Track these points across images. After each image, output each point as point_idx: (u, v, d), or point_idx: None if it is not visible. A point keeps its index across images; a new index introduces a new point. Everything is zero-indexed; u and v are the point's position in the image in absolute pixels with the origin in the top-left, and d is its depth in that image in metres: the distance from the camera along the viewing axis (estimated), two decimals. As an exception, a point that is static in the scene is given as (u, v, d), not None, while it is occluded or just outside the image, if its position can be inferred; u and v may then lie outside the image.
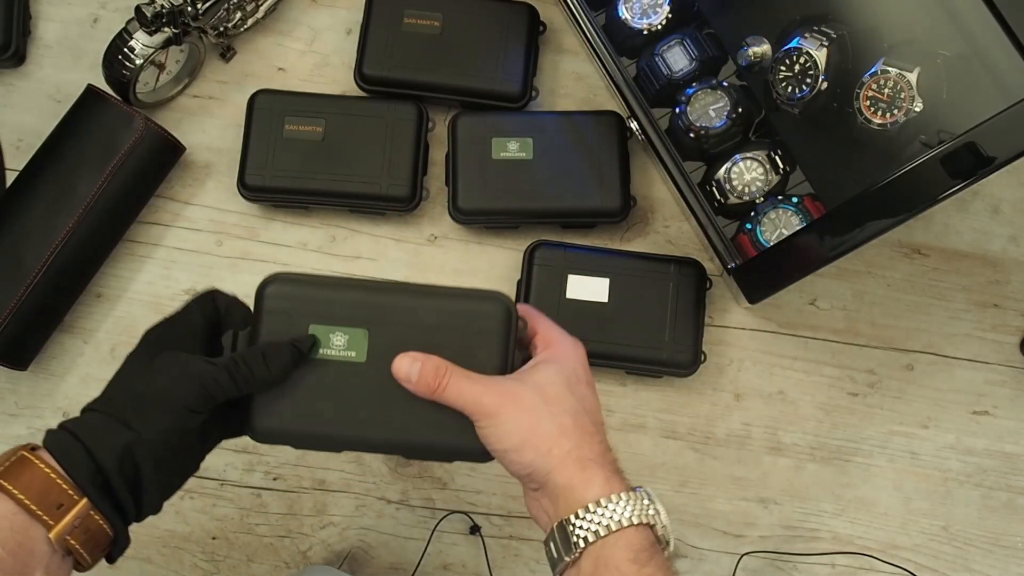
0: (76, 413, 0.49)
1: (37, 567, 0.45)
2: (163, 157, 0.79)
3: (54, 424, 0.48)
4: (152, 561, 0.77)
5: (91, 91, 0.78)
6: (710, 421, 0.80)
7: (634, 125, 0.77)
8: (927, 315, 0.81)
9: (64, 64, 0.84)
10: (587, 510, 0.47)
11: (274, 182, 0.78)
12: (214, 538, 0.78)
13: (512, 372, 0.52)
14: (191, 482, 0.77)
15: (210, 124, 0.83)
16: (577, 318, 0.76)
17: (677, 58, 0.76)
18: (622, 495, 0.48)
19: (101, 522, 0.46)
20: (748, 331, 0.81)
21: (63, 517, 0.45)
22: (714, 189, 0.75)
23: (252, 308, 0.52)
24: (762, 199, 0.74)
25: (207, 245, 0.82)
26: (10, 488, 0.45)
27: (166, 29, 0.75)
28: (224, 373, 0.48)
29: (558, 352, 0.53)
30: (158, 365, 0.49)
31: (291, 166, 0.78)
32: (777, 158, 0.74)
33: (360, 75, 0.80)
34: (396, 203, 0.79)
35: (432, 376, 0.49)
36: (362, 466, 0.79)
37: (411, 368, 0.50)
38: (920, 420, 0.80)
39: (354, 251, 0.82)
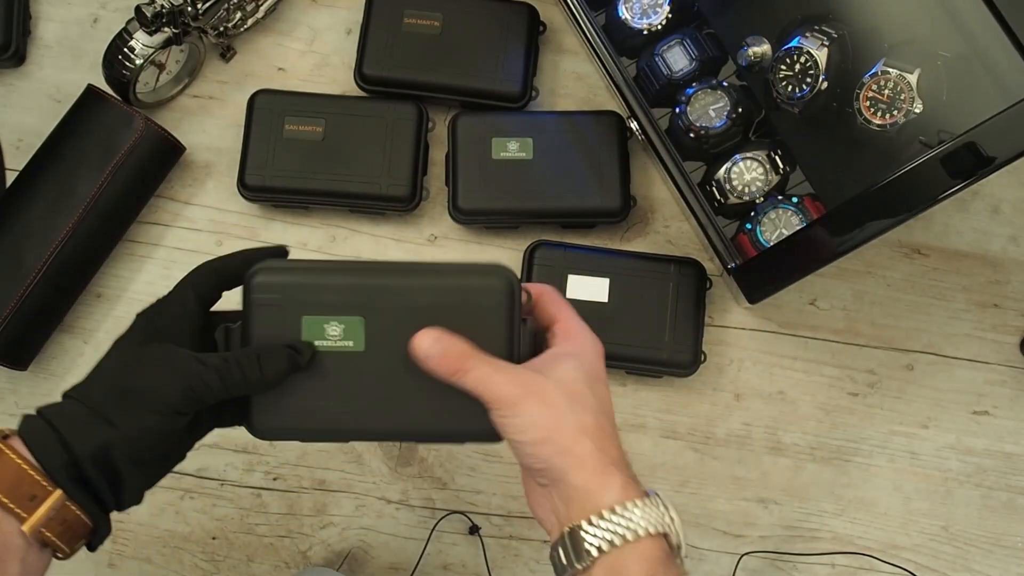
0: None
1: (12, 560, 0.44)
2: (163, 157, 0.79)
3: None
4: (152, 561, 0.77)
5: (91, 91, 0.78)
6: (710, 421, 0.80)
7: (634, 125, 0.77)
8: (927, 315, 0.81)
9: (64, 64, 0.84)
10: (602, 517, 0.45)
11: (274, 182, 0.78)
12: (214, 538, 0.78)
13: (518, 347, 0.50)
14: (191, 482, 0.78)
15: (210, 124, 0.83)
16: (577, 318, 0.76)
17: (677, 58, 0.76)
18: (638, 502, 0.45)
19: (78, 512, 0.45)
20: (748, 331, 0.81)
21: (36, 509, 0.44)
22: (714, 189, 0.75)
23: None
24: (762, 199, 0.74)
25: (207, 245, 0.82)
26: None
27: (166, 29, 0.75)
28: (214, 375, 0.46)
29: (580, 347, 0.50)
30: (145, 358, 0.47)
31: (291, 166, 0.78)
32: (777, 158, 0.74)
33: (360, 75, 0.80)
34: (396, 203, 0.79)
35: (456, 359, 0.47)
36: (362, 466, 0.79)
37: (432, 347, 0.47)
38: (920, 420, 0.80)
39: (354, 251, 0.82)
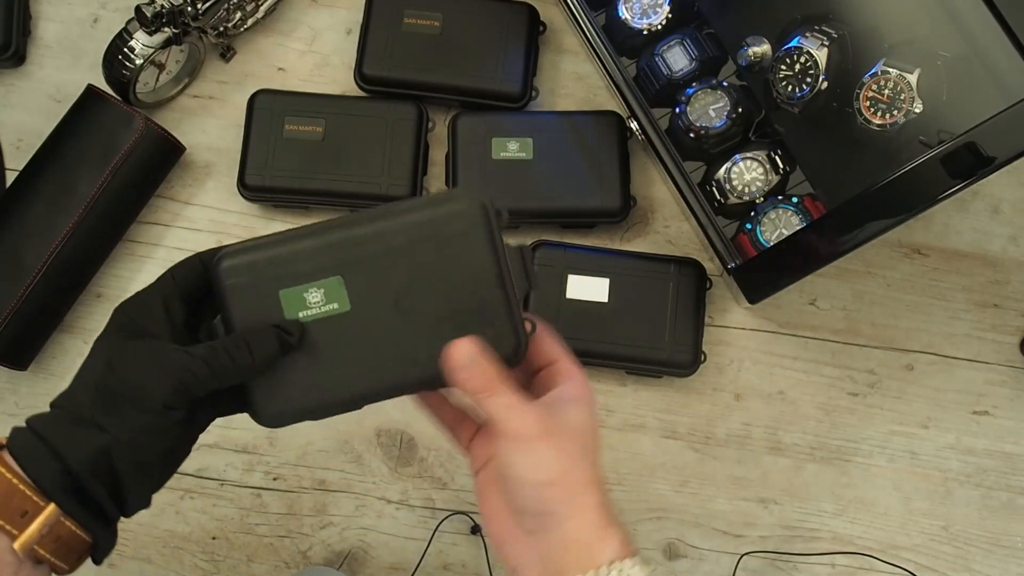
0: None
1: None
2: (163, 157, 0.79)
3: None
4: (152, 561, 0.77)
5: (91, 91, 0.78)
6: (710, 421, 0.80)
7: (634, 125, 0.77)
8: (927, 315, 0.81)
9: (64, 64, 0.84)
10: (598, 573, 0.44)
11: (274, 182, 0.78)
12: (214, 538, 0.78)
13: (505, 265, 0.47)
14: (191, 482, 0.78)
15: (210, 124, 0.83)
16: (577, 318, 0.76)
17: (677, 58, 0.76)
18: (632, 561, 0.45)
19: (74, 528, 0.43)
20: (748, 331, 0.81)
21: (28, 525, 0.42)
22: (714, 189, 0.75)
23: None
24: (762, 199, 0.74)
25: (207, 245, 0.81)
26: None
27: (166, 29, 0.75)
28: (202, 364, 0.44)
29: (585, 392, 0.49)
30: (127, 355, 0.45)
31: (291, 166, 0.78)
32: (777, 158, 0.74)
33: (360, 75, 0.80)
34: (396, 203, 0.79)
35: (488, 378, 0.45)
36: (362, 466, 0.79)
37: (468, 362, 0.45)
38: (920, 420, 0.80)
39: (354, 251, 0.82)
